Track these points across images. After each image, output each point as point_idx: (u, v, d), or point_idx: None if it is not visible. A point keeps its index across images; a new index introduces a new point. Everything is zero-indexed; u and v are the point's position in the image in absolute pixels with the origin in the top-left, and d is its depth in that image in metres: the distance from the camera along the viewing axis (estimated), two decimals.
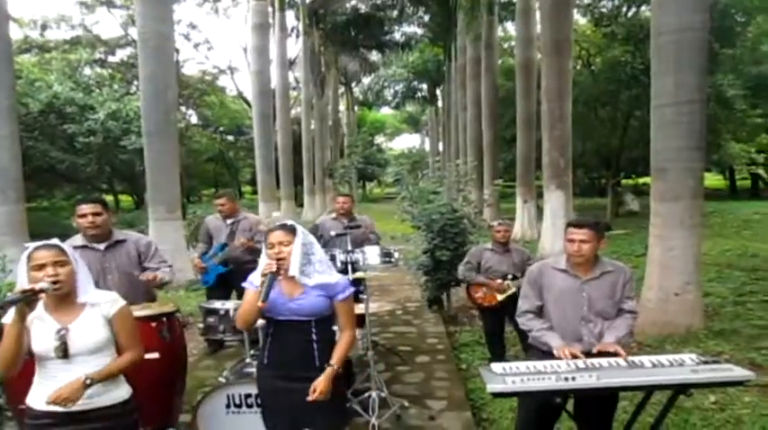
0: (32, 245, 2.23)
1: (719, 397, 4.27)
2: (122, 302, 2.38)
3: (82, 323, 2.23)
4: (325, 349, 2.63)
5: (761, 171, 27.07)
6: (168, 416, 3.73)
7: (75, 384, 2.15)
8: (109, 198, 28.65)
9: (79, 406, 2.18)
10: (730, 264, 9.63)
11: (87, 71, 24.73)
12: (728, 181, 31.81)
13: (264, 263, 2.60)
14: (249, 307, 2.58)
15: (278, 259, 2.54)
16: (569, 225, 2.97)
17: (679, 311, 5.86)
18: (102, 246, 3.64)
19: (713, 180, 31.47)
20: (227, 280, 5.50)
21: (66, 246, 2.28)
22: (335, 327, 2.76)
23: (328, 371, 2.56)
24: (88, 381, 2.16)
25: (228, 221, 5.67)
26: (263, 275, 2.51)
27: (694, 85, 5.74)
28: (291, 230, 2.62)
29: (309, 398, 2.50)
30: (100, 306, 2.31)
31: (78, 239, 3.65)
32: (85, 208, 3.60)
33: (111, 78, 22.30)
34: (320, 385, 2.51)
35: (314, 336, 2.61)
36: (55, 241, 2.27)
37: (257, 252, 5.53)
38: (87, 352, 2.22)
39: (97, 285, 3.35)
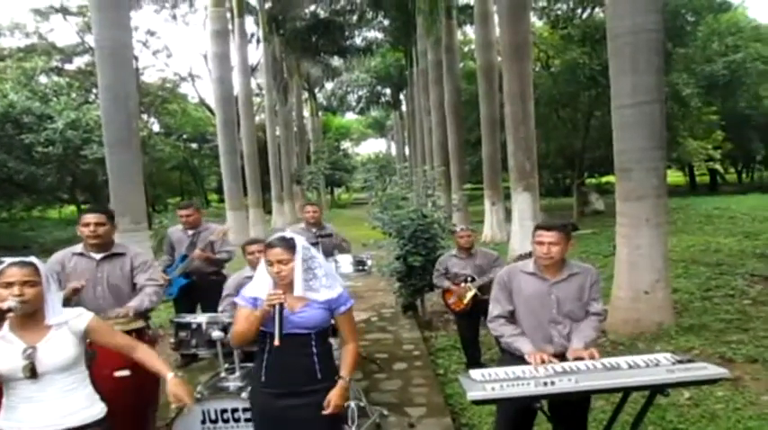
0: (7, 260, 2.17)
1: (694, 393, 4.35)
2: (90, 314, 2.33)
3: (50, 342, 2.17)
4: (325, 361, 2.61)
5: (718, 167, 27.98)
6: None
7: (175, 381, 2.30)
8: (71, 209, 27.90)
9: (53, 426, 2.14)
10: (695, 260, 9.86)
11: (43, 80, 24.00)
12: (688, 177, 32.81)
13: (263, 277, 2.56)
14: (247, 326, 2.53)
15: (279, 277, 2.50)
16: (538, 227, 2.99)
17: (649, 309, 5.97)
18: (98, 256, 3.63)
19: (673, 176, 32.40)
20: (191, 291, 5.41)
21: (42, 265, 2.22)
22: (332, 339, 2.74)
23: (341, 383, 2.57)
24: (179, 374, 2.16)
25: (190, 232, 5.60)
26: (270, 305, 2.44)
27: (652, 85, 5.86)
28: (291, 246, 2.55)
29: (326, 412, 2.50)
30: (68, 323, 2.25)
31: (79, 247, 3.67)
32: (89, 217, 3.62)
33: (68, 87, 21.71)
34: (334, 399, 2.53)
35: (314, 349, 2.57)
36: (31, 259, 2.21)
37: (218, 262, 5.50)
38: (56, 370, 2.17)
39: (86, 294, 3.37)
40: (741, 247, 10.98)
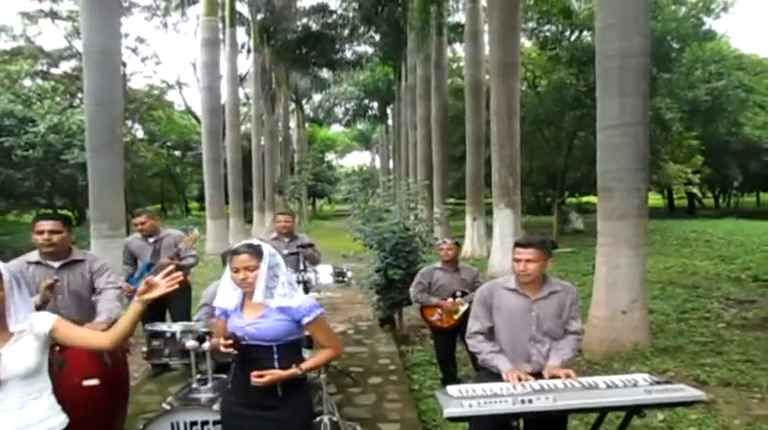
0: None
1: (667, 415, 4.35)
2: (53, 316, 2.25)
3: (13, 349, 2.10)
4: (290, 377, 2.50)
5: (696, 190, 28.49)
6: None
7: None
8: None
9: None
10: (672, 282, 9.99)
11: (28, 83, 23.70)
12: (667, 200, 33.37)
13: (228, 284, 2.53)
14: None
15: (244, 284, 2.46)
16: (516, 245, 2.98)
17: (626, 329, 5.99)
18: (56, 264, 3.50)
19: (653, 199, 32.92)
20: (159, 300, 5.29)
21: (5, 270, 2.13)
22: (307, 354, 2.68)
23: (293, 369, 2.45)
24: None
25: (151, 240, 5.50)
26: (225, 351, 2.43)
27: (638, 107, 5.96)
28: (258, 253, 2.49)
29: (259, 381, 2.38)
30: (32, 328, 2.17)
31: (34, 255, 3.52)
32: (44, 224, 3.48)
33: (53, 91, 21.45)
34: (273, 375, 2.40)
35: (276, 363, 2.46)
36: None
37: (185, 268, 5.41)
38: (18, 378, 2.09)
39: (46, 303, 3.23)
40: (717, 271, 11.15)
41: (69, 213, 26.44)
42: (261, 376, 2.39)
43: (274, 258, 2.53)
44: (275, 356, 2.48)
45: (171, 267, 2.27)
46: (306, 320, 2.51)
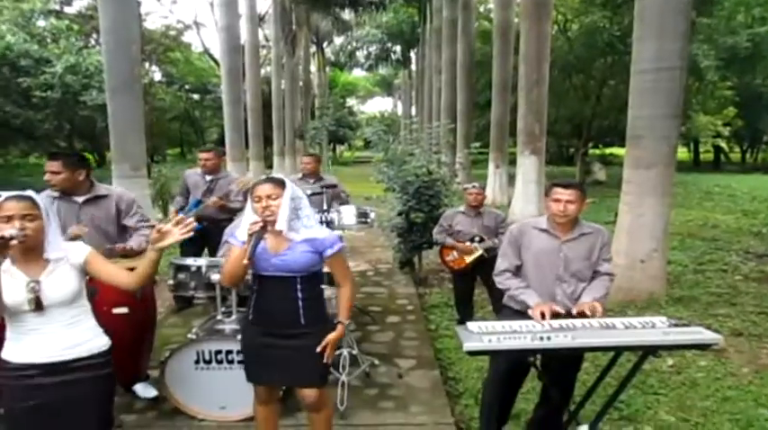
0: (4, 194, 2.13)
1: (677, 360, 4.42)
2: (88, 247, 2.34)
3: (53, 276, 2.18)
4: (312, 307, 2.59)
5: (723, 144, 27.76)
6: (137, 370, 3.72)
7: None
8: None
9: (60, 356, 2.18)
10: (692, 234, 9.90)
11: (41, 23, 23.44)
12: (692, 153, 32.60)
13: (250, 217, 2.51)
14: (235, 264, 2.51)
15: (265, 213, 2.45)
16: (555, 185, 2.93)
17: (643, 278, 5.99)
18: (80, 199, 3.58)
19: (678, 152, 32.16)
20: (201, 236, 5.35)
21: (41, 199, 2.18)
22: (325, 286, 2.75)
23: (340, 328, 2.61)
24: None
25: (208, 178, 5.52)
26: (250, 234, 2.41)
27: (676, 51, 5.69)
28: (280, 184, 2.53)
29: (318, 351, 2.56)
30: (68, 257, 2.25)
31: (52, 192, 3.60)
32: (48, 164, 3.56)
33: (68, 30, 21.19)
34: (331, 341, 2.58)
35: (299, 293, 2.55)
36: (29, 193, 2.18)
37: (232, 211, 5.47)
38: (60, 303, 2.19)
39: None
40: (738, 225, 11.02)
41: (89, 155, 26.81)
42: (322, 347, 2.57)
43: (297, 191, 2.57)
44: (298, 287, 2.55)
45: (177, 217, 2.29)
46: (329, 252, 2.57)
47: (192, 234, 2.24)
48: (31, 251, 2.16)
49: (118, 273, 2.32)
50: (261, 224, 2.42)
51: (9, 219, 2.07)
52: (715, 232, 10.18)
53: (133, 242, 3.61)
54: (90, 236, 3.48)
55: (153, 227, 3.80)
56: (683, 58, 5.87)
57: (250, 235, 2.41)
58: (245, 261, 2.40)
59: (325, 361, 2.58)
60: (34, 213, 2.12)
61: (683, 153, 33.78)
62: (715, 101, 19.83)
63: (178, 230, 2.22)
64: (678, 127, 6.06)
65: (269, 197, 2.47)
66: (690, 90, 16.31)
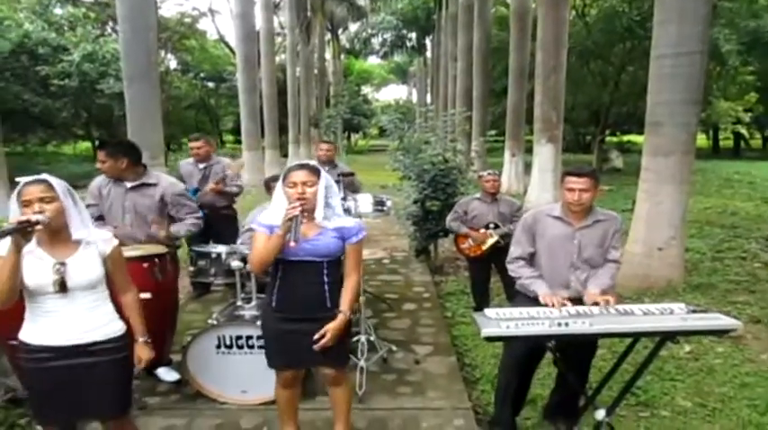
0: (24, 180, 2.18)
1: (694, 346, 4.42)
2: (116, 241, 2.40)
3: (79, 259, 2.23)
4: (335, 290, 2.64)
5: (743, 130, 27.25)
6: (160, 354, 3.78)
7: (142, 345, 2.49)
8: (86, 145, 27.85)
9: (78, 339, 2.23)
10: (710, 221, 9.80)
11: (58, 11, 23.59)
12: (711, 140, 32.07)
13: (281, 202, 2.54)
14: (265, 250, 2.54)
15: (300, 199, 2.47)
16: (568, 174, 2.93)
17: (660, 266, 5.96)
18: (129, 185, 3.74)
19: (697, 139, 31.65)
20: (205, 225, 5.41)
21: (57, 181, 2.22)
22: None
23: (340, 317, 2.61)
24: None
25: (201, 166, 5.60)
26: (289, 220, 2.42)
27: (697, 35, 5.60)
28: (315, 171, 2.55)
29: (317, 346, 2.56)
30: (96, 244, 2.31)
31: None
32: (99, 153, 3.81)
33: (84, 18, 21.28)
34: (331, 331, 2.57)
35: (325, 277, 2.61)
36: (44, 176, 2.22)
37: (229, 195, 5.52)
38: (83, 287, 2.24)
39: (115, 220, 3.64)
40: (758, 212, 10.89)
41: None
42: (321, 336, 2.57)
43: (330, 180, 2.62)
44: (324, 271, 2.61)
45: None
46: (354, 240, 2.63)
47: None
48: (56, 233, 2.21)
49: (124, 284, 2.43)
50: (298, 209, 2.43)
51: (28, 203, 2.12)
52: (734, 219, 10.07)
53: (174, 228, 3.79)
54: (131, 220, 3.69)
55: (200, 218, 3.92)
56: (704, 43, 5.77)
57: (289, 219, 2.42)
58: (293, 243, 2.42)
59: (316, 347, 2.57)
60: (51, 195, 2.16)
61: (701, 140, 33.23)
62: (736, 86, 19.40)
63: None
64: (698, 113, 5.98)
65: (305, 184, 2.50)
66: (710, 75, 15.99)
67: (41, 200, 2.13)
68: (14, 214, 2.15)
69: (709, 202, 12.02)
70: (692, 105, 5.77)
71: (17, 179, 2.23)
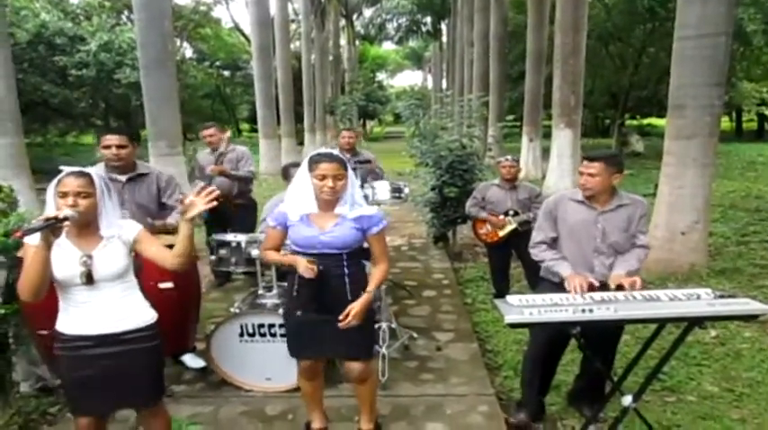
0: (66, 170, 2.20)
1: (720, 331, 4.38)
2: (139, 227, 2.41)
3: (105, 251, 2.26)
4: (356, 282, 2.63)
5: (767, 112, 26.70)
6: (184, 342, 3.84)
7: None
8: None
9: (109, 328, 2.26)
10: (734, 205, 9.64)
11: (74, 0, 23.70)
12: (734, 123, 31.44)
13: (306, 189, 2.55)
14: (274, 260, 2.66)
15: (331, 192, 2.49)
16: (583, 158, 2.94)
17: (684, 250, 5.88)
18: (123, 178, 3.62)
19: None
20: (221, 214, 5.38)
21: (98, 177, 2.24)
22: (367, 267, 2.77)
23: (364, 297, 2.58)
24: None
25: (216, 153, 5.62)
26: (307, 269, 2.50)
27: (721, 15, 5.45)
28: (345, 164, 2.54)
29: (342, 325, 2.53)
30: (120, 234, 2.32)
31: (100, 169, 3.56)
32: (111, 139, 3.52)
33: (100, 7, 21.32)
34: (354, 310, 2.54)
35: (345, 269, 2.60)
36: (88, 170, 2.24)
37: (242, 182, 5.52)
38: (110, 278, 2.27)
39: None
40: None
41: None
42: (346, 316, 2.54)
43: (352, 173, 2.62)
44: (344, 263, 2.60)
45: (201, 184, 2.33)
46: (374, 230, 2.62)
47: (215, 203, 2.30)
48: (85, 227, 2.24)
49: (164, 254, 2.38)
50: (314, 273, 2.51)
51: (64, 194, 2.13)
52: (758, 203, 9.88)
53: (172, 219, 3.67)
54: (132, 213, 3.53)
55: None
56: (730, 23, 5.63)
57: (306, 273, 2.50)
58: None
59: (341, 326, 2.55)
60: (89, 191, 2.18)
61: (724, 122, 32.58)
62: (760, 67, 18.93)
63: (201, 200, 2.28)
64: (722, 96, 5.84)
65: (335, 178, 2.49)
66: (734, 56, 15.62)
67: (78, 194, 2.15)
68: (50, 203, 2.17)
69: (732, 186, 11.81)
70: (714, 87, 5.64)
71: (60, 168, 2.22)
